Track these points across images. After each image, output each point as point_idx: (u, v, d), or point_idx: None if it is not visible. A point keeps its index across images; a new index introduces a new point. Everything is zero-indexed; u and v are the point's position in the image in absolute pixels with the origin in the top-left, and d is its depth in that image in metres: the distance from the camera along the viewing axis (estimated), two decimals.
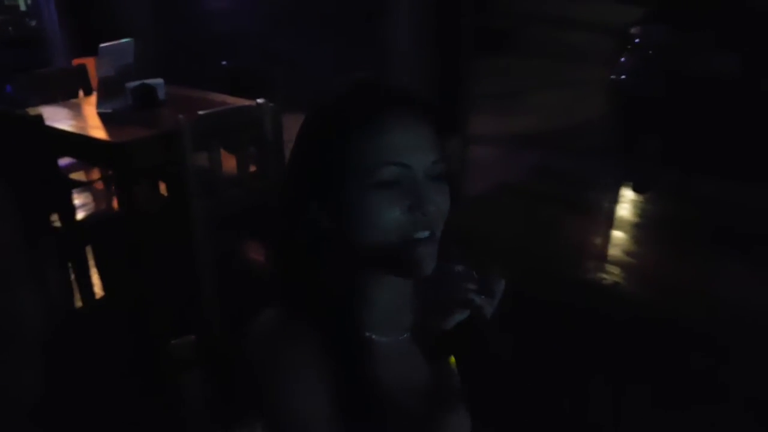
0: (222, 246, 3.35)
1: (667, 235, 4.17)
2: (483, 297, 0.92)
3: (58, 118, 3.17)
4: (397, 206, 0.94)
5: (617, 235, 4.19)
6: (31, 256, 3.08)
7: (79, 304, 3.19)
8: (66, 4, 5.21)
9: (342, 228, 0.98)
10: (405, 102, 0.99)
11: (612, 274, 3.67)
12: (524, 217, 4.25)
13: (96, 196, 3.43)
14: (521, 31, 8.45)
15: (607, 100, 5.60)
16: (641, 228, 4.29)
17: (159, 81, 3.33)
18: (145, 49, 3.58)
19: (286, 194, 1.03)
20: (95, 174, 3.64)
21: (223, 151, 3.07)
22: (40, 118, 2.89)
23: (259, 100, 3.05)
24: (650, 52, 5.42)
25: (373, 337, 1.03)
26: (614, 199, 4.73)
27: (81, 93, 3.82)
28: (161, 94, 3.33)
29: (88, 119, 3.25)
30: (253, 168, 3.25)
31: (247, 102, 3.18)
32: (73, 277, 3.20)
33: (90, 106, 3.39)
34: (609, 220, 4.40)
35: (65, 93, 3.69)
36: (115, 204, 3.32)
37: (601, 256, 3.91)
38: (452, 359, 0.93)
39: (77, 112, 3.41)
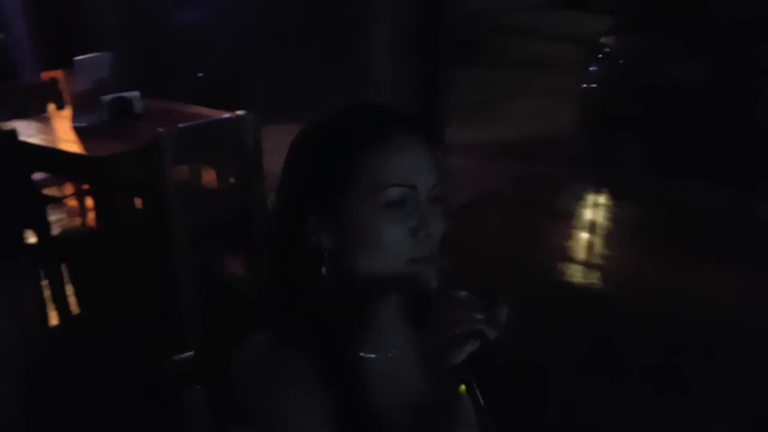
0: (202, 260, 3.31)
1: (642, 238, 4.23)
2: (490, 327, 0.90)
3: (31, 132, 3.11)
4: (402, 227, 0.94)
5: (591, 238, 4.25)
6: (6, 274, 3.01)
7: (54, 322, 3.12)
8: (36, 16, 5.13)
9: (343, 248, 0.97)
10: (411, 124, 0.99)
11: (591, 277, 3.72)
12: (503, 223, 4.28)
13: (70, 212, 3.38)
14: (491, 42, 8.54)
15: (579, 108, 5.65)
16: (616, 232, 4.35)
17: (135, 94, 3.29)
18: (119, 61, 3.53)
19: (281, 213, 1.01)
20: (68, 189, 3.58)
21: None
22: (13, 133, 2.83)
23: (240, 112, 3.03)
24: (620, 60, 5.50)
25: (366, 355, 1.02)
26: (589, 205, 4.79)
27: (53, 107, 3.76)
28: (138, 107, 3.28)
29: (63, 133, 3.20)
30: (232, 180, 3.22)
31: (224, 114, 3.15)
32: (48, 294, 3.13)
33: (64, 120, 3.33)
34: (585, 226, 4.46)
35: (36, 107, 3.62)
36: (89, 219, 3.27)
37: (578, 260, 3.96)
38: (462, 388, 0.91)
39: (51, 126, 3.35)
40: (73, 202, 3.43)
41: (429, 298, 0.97)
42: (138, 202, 3.49)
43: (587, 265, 3.94)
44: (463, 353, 0.88)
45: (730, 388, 2.76)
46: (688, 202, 4.59)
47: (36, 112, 3.52)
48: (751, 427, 2.60)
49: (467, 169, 4.95)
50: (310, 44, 5.91)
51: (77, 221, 3.29)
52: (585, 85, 5.60)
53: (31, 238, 2.97)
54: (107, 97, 3.21)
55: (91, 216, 3.25)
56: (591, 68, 5.59)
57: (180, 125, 2.87)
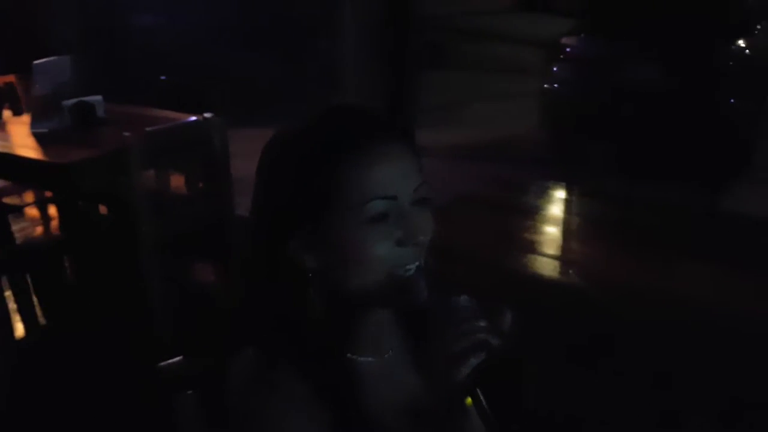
0: (171, 267, 3.24)
1: (612, 235, 4.29)
2: (494, 336, 0.87)
3: None
4: (387, 240, 0.90)
5: (562, 237, 4.30)
6: None
7: (21, 333, 3.02)
8: None
9: (330, 267, 0.92)
10: (387, 129, 0.94)
11: (566, 274, 3.78)
12: (476, 223, 4.30)
13: (32, 220, 3.28)
14: (454, 45, 8.58)
15: (541, 109, 5.70)
16: (587, 230, 4.41)
17: (98, 98, 3.21)
18: (79, 65, 3.45)
19: (260, 234, 0.96)
20: (29, 197, 3.47)
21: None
22: None
23: (207, 115, 2.97)
24: (580, 62, 5.56)
25: (360, 359, 0.99)
26: (558, 204, 4.84)
27: (8, 113, 3.65)
28: (100, 111, 3.20)
29: (21, 139, 3.10)
30: (201, 185, 3.15)
31: (190, 117, 3.09)
32: (13, 306, 3.02)
33: (22, 126, 3.23)
34: (555, 224, 4.51)
35: None
36: (53, 228, 3.18)
37: (552, 257, 4.01)
38: (468, 401, 0.88)
39: (7, 132, 3.24)
40: (34, 211, 3.32)
41: (423, 306, 0.93)
42: (103, 210, 3.42)
43: (561, 261, 4.00)
44: (469, 366, 0.84)
45: (706, 380, 2.79)
46: (653, 199, 4.66)
47: None
48: (727, 418, 2.63)
49: (436, 170, 4.95)
50: (276, 47, 5.87)
51: (39, 230, 3.19)
52: (547, 86, 5.66)
53: None
54: (69, 102, 3.12)
55: (54, 225, 3.15)
56: (553, 69, 5.65)
57: (147, 129, 2.80)
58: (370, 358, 0.99)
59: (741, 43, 5.25)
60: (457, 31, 9.27)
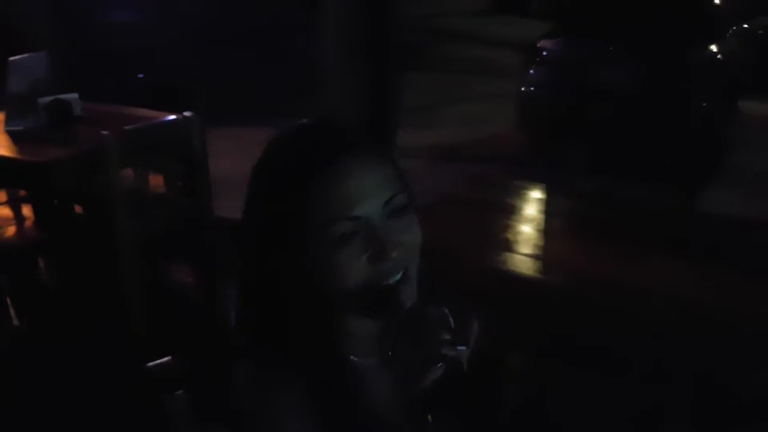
0: (149, 268, 3.20)
1: (590, 233, 4.34)
2: (458, 347, 0.87)
3: None
4: (358, 261, 0.90)
5: (542, 235, 4.37)
6: None
7: None
8: None
9: (309, 283, 0.93)
10: (346, 145, 0.93)
11: (546, 271, 3.85)
12: (459, 223, 4.33)
13: (5, 220, 3.21)
14: (432, 46, 8.60)
15: (519, 111, 5.74)
16: (565, 228, 4.46)
17: (74, 96, 3.15)
18: (54, 62, 3.39)
19: (247, 246, 0.98)
20: (2, 196, 3.40)
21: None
22: None
23: (187, 113, 2.93)
24: (557, 64, 5.60)
25: (357, 360, 0.99)
26: (537, 204, 4.90)
27: None
28: (77, 109, 3.15)
29: None
30: (180, 184, 3.12)
31: (167, 116, 3.05)
32: None
33: None
34: (534, 223, 4.57)
35: None
36: (26, 228, 3.11)
37: (532, 255, 4.07)
38: (429, 417, 0.88)
39: None
40: (6, 211, 3.25)
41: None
42: (78, 210, 3.36)
43: (538, 258, 4.05)
44: (426, 380, 0.85)
45: (679, 371, 2.83)
46: (628, 199, 4.72)
47: None
48: (697, 406, 2.67)
49: (413, 171, 4.96)
50: (255, 46, 5.84)
51: (12, 230, 3.12)
52: (524, 89, 5.70)
53: None
54: (44, 100, 3.06)
55: (28, 225, 3.09)
56: (530, 72, 5.69)
57: (126, 127, 2.76)
58: (366, 360, 0.99)
59: (713, 47, 5.34)
60: (433, 32, 9.30)
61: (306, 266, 0.91)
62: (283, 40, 5.96)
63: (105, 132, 2.68)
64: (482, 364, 0.89)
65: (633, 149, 5.20)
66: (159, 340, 2.85)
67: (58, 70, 3.39)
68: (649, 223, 4.35)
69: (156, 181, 3.00)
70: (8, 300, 3.10)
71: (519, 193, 5.04)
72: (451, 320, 0.88)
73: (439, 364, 0.85)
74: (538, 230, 4.47)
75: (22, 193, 3.16)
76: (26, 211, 3.17)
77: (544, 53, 5.66)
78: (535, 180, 5.14)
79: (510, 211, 4.71)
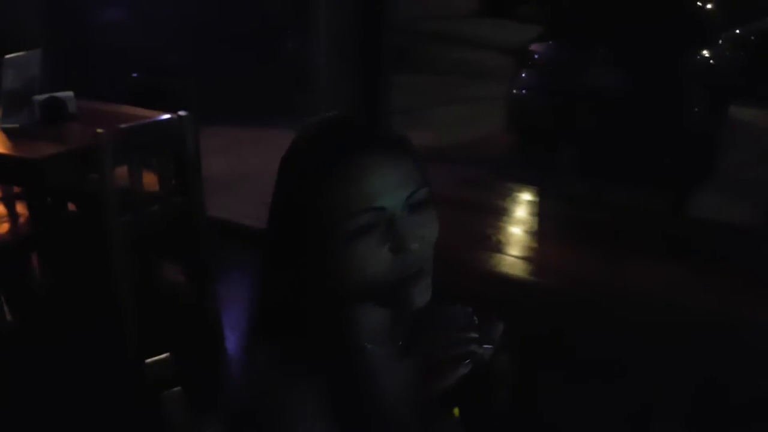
0: (141, 265, 3.21)
1: (580, 236, 4.38)
2: (484, 346, 0.89)
3: None
4: (379, 251, 0.92)
5: (531, 236, 4.41)
6: None
7: None
8: None
9: (328, 277, 0.95)
10: (369, 141, 0.96)
11: (537, 273, 3.88)
12: (451, 224, 4.36)
13: None
14: (421, 49, 8.62)
15: (509, 114, 5.77)
16: (554, 230, 4.50)
17: (69, 94, 3.17)
18: (49, 60, 3.40)
19: (268, 244, 1.00)
20: None
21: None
22: None
23: (181, 113, 2.95)
24: (549, 68, 5.64)
25: (371, 348, 1.01)
26: (526, 206, 4.94)
27: None
28: (71, 107, 3.16)
29: None
30: (173, 182, 3.13)
31: (162, 115, 3.06)
32: None
33: None
34: (524, 224, 4.61)
35: None
36: (20, 224, 3.12)
37: (522, 257, 4.11)
38: (456, 411, 0.90)
39: None
40: (1, 208, 3.26)
41: (424, 307, 0.95)
42: (72, 208, 3.37)
43: (527, 260, 4.08)
44: (453, 378, 0.87)
45: (667, 373, 2.87)
46: (618, 202, 4.76)
47: None
48: (692, 407, 2.71)
49: None
50: (247, 46, 5.84)
51: (6, 227, 3.13)
52: (515, 91, 5.73)
53: None
54: (40, 97, 3.08)
55: (22, 222, 3.10)
56: (521, 75, 5.72)
57: (121, 126, 2.78)
58: (382, 350, 1.01)
59: (705, 52, 5.38)
60: (423, 35, 9.33)
61: (327, 256, 0.94)
62: (276, 41, 5.97)
63: (99, 130, 2.69)
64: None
65: (623, 153, 5.25)
66: (151, 337, 2.87)
67: (52, 68, 3.40)
68: (638, 226, 4.39)
69: (150, 179, 3.01)
70: (1, 297, 3.11)
71: (509, 195, 5.07)
72: (476, 320, 0.91)
73: (467, 361, 0.87)
74: (528, 232, 4.50)
75: (17, 190, 3.17)
76: (20, 208, 3.18)
77: (536, 56, 5.70)
78: (524, 182, 5.18)
79: (499, 213, 4.74)
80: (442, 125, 6.45)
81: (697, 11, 5.75)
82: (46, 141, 2.92)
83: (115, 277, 2.87)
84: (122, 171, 2.87)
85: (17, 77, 3.06)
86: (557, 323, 3.21)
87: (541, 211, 4.84)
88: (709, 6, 5.77)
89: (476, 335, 0.89)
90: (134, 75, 3.68)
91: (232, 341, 3.18)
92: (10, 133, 3.01)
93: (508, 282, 3.78)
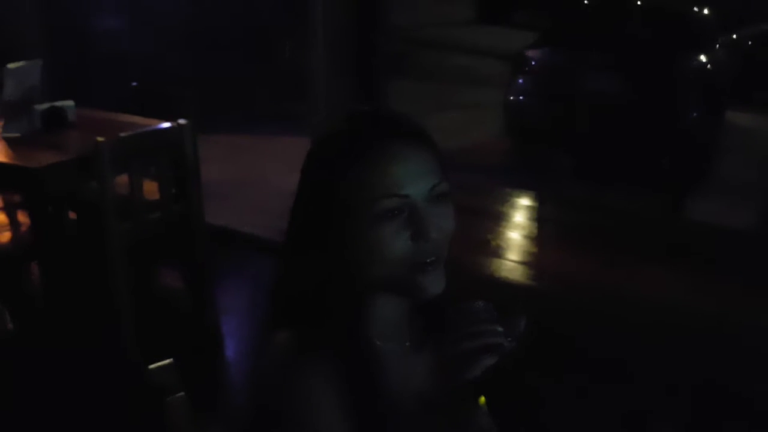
0: (141, 273, 3.23)
1: (578, 240, 4.40)
2: (509, 339, 0.92)
3: None
4: (400, 236, 0.96)
5: (529, 240, 4.42)
6: None
7: None
8: None
9: (348, 262, 0.99)
10: (400, 131, 1.01)
11: (538, 277, 3.90)
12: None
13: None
14: (417, 56, 8.64)
15: (506, 119, 5.80)
16: (553, 234, 4.53)
17: (69, 103, 3.19)
18: (48, 70, 3.42)
19: (292, 231, 1.04)
20: None
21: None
22: None
23: (181, 121, 2.97)
24: (545, 73, 5.67)
25: (382, 345, 1.05)
26: (525, 210, 4.97)
27: None
28: (72, 116, 3.18)
29: None
30: (173, 191, 3.14)
31: (161, 123, 3.08)
32: None
33: None
34: (522, 228, 4.64)
35: None
36: (21, 233, 3.14)
37: (520, 261, 4.12)
38: (482, 400, 0.92)
39: None
40: (2, 216, 3.28)
41: (439, 296, 0.99)
42: (72, 215, 3.39)
43: (525, 264, 4.08)
44: (481, 368, 0.90)
45: (666, 376, 2.89)
46: (615, 206, 4.77)
47: None
48: (687, 411, 2.72)
49: None
50: (246, 54, 5.87)
51: (7, 235, 3.15)
52: (511, 98, 5.76)
53: None
54: (40, 106, 3.10)
55: (23, 230, 3.11)
56: (518, 81, 5.75)
57: (121, 134, 2.80)
58: (392, 345, 1.05)
59: (702, 57, 5.42)
60: (420, 42, 9.37)
61: (350, 238, 0.97)
62: (274, 49, 6.00)
63: (99, 138, 2.71)
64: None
65: (620, 158, 5.28)
66: (150, 343, 2.88)
67: (53, 78, 3.42)
68: (635, 230, 4.41)
69: (149, 187, 3.03)
70: (2, 305, 3.12)
71: (506, 200, 5.09)
72: (499, 315, 0.94)
73: (492, 354, 0.90)
74: (525, 236, 4.51)
75: (17, 198, 3.18)
76: (21, 216, 3.20)
77: (532, 62, 5.73)
78: (522, 187, 5.19)
79: (497, 218, 4.76)
80: (439, 131, 6.42)
81: (693, 16, 5.79)
82: (47, 150, 2.94)
83: (114, 283, 2.89)
84: (122, 179, 2.89)
85: (18, 86, 3.08)
86: (556, 326, 3.23)
87: (539, 215, 4.85)
88: (705, 11, 5.81)
89: (500, 328, 0.92)
90: (134, 83, 3.70)
91: (230, 347, 3.19)
92: (10, 142, 3.02)
93: (506, 286, 3.79)
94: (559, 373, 2.88)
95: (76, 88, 4.06)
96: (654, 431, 2.66)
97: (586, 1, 6.32)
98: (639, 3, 6.04)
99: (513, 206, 5.03)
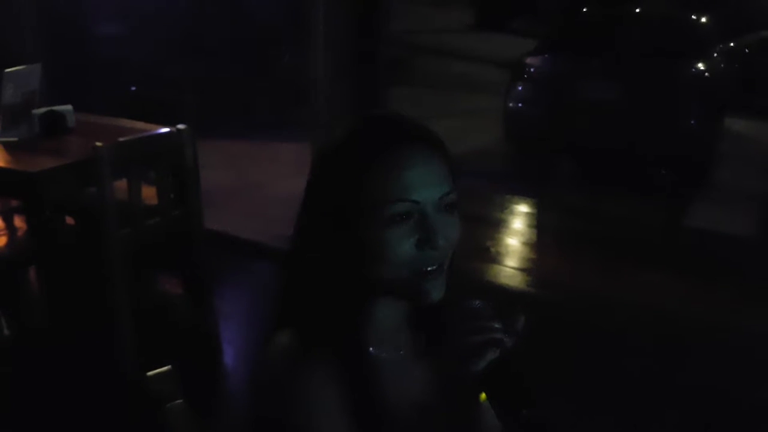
0: (139, 279, 3.21)
1: (576, 246, 4.40)
2: (509, 335, 0.93)
3: None
4: (408, 241, 0.96)
5: (528, 246, 4.44)
6: None
7: None
8: None
9: (354, 262, 0.99)
10: (416, 137, 1.00)
11: (536, 283, 3.89)
12: None
13: None
14: (417, 62, 8.66)
15: (505, 126, 5.80)
16: (551, 239, 4.53)
17: (68, 107, 3.18)
18: (47, 74, 3.42)
19: (301, 228, 1.04)
20: None
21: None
22: None
23: (180, 126, 2.96)
24: (545, 80, 5.68)
25: (379, 354, 1.04)
26: (524, 216, 4.97)
27: None
28: (70, 121, 3.17)
29: None
30: (172, 196, 3.13)
31: (160, 128, 3.08)
32: None
33: None
34: (521, 234, 4.64)
35: None
36: (19, 238, 3.13)
37: (519, 267, 4.14)
38: (483, 396, 0.93)
39: None
40: None
41: (435, 306, 0.99)
42: (69, 221, 3.37)
43: (524, 271, 4.10)
44: (483, 362, 0.90)
45: (665, 380, 2.90)
46: (613, 213, 4.78)
47: None
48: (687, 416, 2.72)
49: None
50: (246, 61, 5.88)
51: (3, 240, 3.14)
52: (511, 104, 5.76)
53: None
54: (39, 111, 3.09)
55: (20, 235, 3.10)
56: (517, 88, 5.75)
57: (120, 139, 2.79)
58: (387, 354, 1.05)
59: (700, 65, 5.42)
60: (420, 48, 9.39)
61: (358, 239, 0.97)
62: (273, 56, 6.01)
63: (98, 143, 2.70)
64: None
65: (619, 165, 5.28)
66: (149, 350, 2.86)
67: (52, 82, 3.41)
68: (635, 237, 4.41)
69: (148, 192, 3.02)
70: None
71: (506, 207, 5.09)
72: (497, 312, 0.95)
73: (494, 349, 0.91)
74: (524, 243, 4.52)
75: (15, 203, 3.17)
76: (19, 221, 3.19)
77: (532, 69, 5.74)
78: (521, 194, 5.20)
79: (496, 225, 4.76)
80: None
81: (692, 24, 5.80)
82: (45, 154, 2.93)
83: (112, 289, 2.87)
84: (121, 184, 2.88)
85: (17, 91, 3.08)
86: (555, 332, 3.22)
87: (538, 222, 4.86)
88: (704, 19, 5.83)
89: (500, 325, 0.93)
90: (133, 88, 3.70)
91: (229, 353, 3.18)
92: (9, 147, 3.01)
93: (504, 293, 3.78)
94: (556, 378, 2.88)
95: (76, 92, 4.05)
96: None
97: (585, 9, 6.33)
98: (638, 11, 6.06)
99: (512, 213, 5.04)
